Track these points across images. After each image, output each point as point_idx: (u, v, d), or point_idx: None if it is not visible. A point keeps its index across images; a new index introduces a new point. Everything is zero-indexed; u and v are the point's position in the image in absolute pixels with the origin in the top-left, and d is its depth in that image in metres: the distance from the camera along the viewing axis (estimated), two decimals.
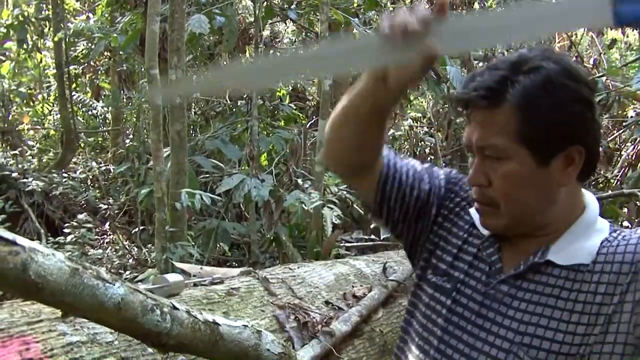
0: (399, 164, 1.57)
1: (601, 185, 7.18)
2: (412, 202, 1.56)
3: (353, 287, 3.10)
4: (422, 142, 8.93)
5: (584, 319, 1.30)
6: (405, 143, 10.05)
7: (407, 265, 3.24)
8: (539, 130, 1.31)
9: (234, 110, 7.46)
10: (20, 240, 1.36)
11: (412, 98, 9.26)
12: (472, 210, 1.51)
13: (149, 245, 7.36)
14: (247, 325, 1.86)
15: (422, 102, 10.64)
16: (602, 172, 7.07)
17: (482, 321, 1.41)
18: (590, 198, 1.44)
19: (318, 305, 2.72)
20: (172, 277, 2.35)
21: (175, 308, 1.64)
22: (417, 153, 8.56)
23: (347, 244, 5.26)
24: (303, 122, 7.45)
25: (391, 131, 9.86)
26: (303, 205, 4.40)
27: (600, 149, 1.46)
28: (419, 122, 9.42)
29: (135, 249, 7.66)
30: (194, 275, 2.77)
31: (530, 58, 1.33)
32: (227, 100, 7.63)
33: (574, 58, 7.40)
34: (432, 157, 8.24)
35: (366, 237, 5.42)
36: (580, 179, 1.39)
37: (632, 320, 1.26)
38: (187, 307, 1.71)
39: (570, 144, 1.33)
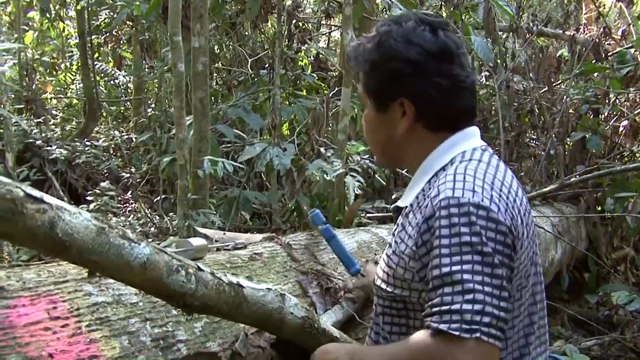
0: None
1: (626, 159, 7.10)
2: None
3: (375, 254, 3.09)
4: None
5: (392, 257, 1.61)
6: None
7: None
8: (372, 83, 1.68)
9: (256, 79, 7.43)
10: (48, 198, 1.36)
11: None
12: None
13: (171, 214, 7.41)
14: (270, 289, 1.86)
15: None
16: (627, 145, 7.00)
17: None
18: (450, 142, 1.64)
19: (340, 271, 2.72)
20: (196, 241, 2.35)
21: (200, 269, 1.64)
22: None
23: (368, 214, 5.24)
24: (325, 91, 7.40)
25: None
26: (325, 175, 4.38)
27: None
28: None
29: (157, 217, 7.71)
30: (217, 241, 2.78)
31: (383, 23, 1.68)
32: (249, 70, 7.59)
33: (602, 29, 7.24)
34: None
35: (388, 206, 5.40)
36: (431, 128, 1.64)
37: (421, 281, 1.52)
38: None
39: (397, 96, 1.63)
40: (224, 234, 2.93)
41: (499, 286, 1.37)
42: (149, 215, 7.90)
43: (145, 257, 1.49)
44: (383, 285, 1.63)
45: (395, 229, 1.67)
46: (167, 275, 1.55)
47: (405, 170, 4.47)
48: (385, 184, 5.92)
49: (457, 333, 1.32)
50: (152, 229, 7.52)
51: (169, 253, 1.58)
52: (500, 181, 1.53)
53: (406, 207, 1.64)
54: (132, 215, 8.14)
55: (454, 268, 1.37)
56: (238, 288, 1.74)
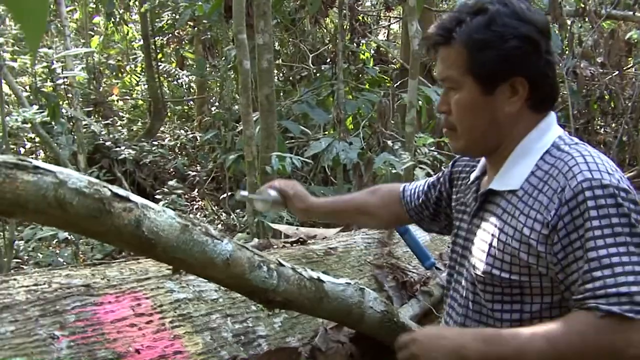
0: (414, 202, 2.00)
1: None
2: (436, 210, 1.95)
3: (448, 247, 3.04)
4: None
5: (511, 243, 1.50)
6: None
7: None
8: (481, 63, 1.51)
9: (318, 74, 7.43)
10: (134, 197, 1.38)
11: None
12: (473, 174, 1.75)
13: (237, 211, 7.49)
14: (350, 283, 1.85)
15: None
16: None
17: (466, 252, 1.68)
18: (546, 123, 1.57)
19: (415, 265, 2.68)
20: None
21: (281, 265, 1.64)
22: None
23: None
24: (388, 84, 7.35)
25: None
26: (392, 168, 4.34)
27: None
28: None
29: (224, 215, 7.81)
30: (290, 236, 2.78)
31: (485, 2, 1.53)
32: (311, 65, 7.60)
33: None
34: None
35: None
36: (534, 108, 1.55)
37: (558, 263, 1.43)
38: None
39: (511, 75, 1.51)
40: (297, 229, 2.93)
41: None
42: (215, 212, 8.01)
43: (228, 254, 1.50)
44: (497, 272, 1.54)
45: (501, 214, 1.57)
46: (250, 271, 1.55)
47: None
48: None
49: (630, 315, 1.30)
50: (219, 225, 7.63)
51: (251, 249, 1.58)
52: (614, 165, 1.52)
53: (514, 190, 1.55)
54: (199, 213, 8.27)
55: (611, 250, 1.35)
56: (319, 283, 1.73)
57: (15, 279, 1.71)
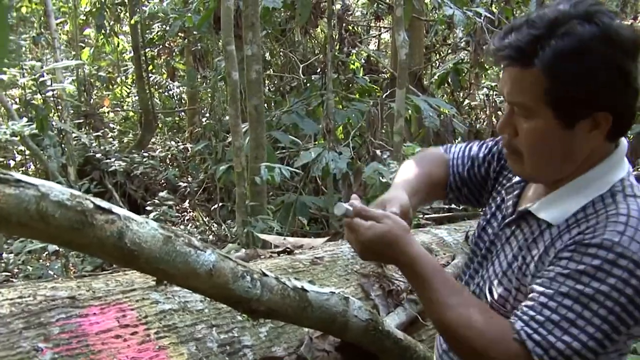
0: (459, 168, 1.80)
1: None
2: (476, 186, 1.78)
3: (436, 255, 3.06)
4: (500, 111, 8.74)
5: (525, 273, 1.44)
6: (481, 113, 9.87)
7: None
8: (565, 96, 1.32)
9: (308, 84, 7.46)
10: (116, 209, 1.39)
11: (487, 67, 9.06)
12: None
13: (228, 221, 7.51)
14: (334, 292, 1.86)
15: (496, 70, 10.41)
16: None
17: (488, 255, 1.61)
18: (616, 157, 1.43)
19: (401, 274, 2.70)
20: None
21: (264, 275, 1.65)
22: (495, 121, 8.38)
23: (426, 215, 5.21)
24: (378, 94, 7.39)
25: (466, 101, 9.70)
26: (381, 177, 4.37)
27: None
28: (495, 91, 9.21)
29: (215, 225, 7.82)
30: (277, 246, 2.79)
31: (569, 18, 1.31)
32: (301, 75, 7.63)
33: None
34: None
35: (446, 206, 5.35)
36: (610, 139, 1.40)
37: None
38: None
39: (597, 110, 1.33)
40: (284, 238, 2.95)
41: (604, 337, 1.29)
42: (206, 223, 8.02)
43: (211, 264, 1.51)
44: (509, 304, 1.48)
45: (528, 238, 1.48)
46: (233, 281, 1.56)
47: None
48: None
49: (531, 347, 1.29)
50: (211, 236, 7.64)
51: (234, 259, 1.59)
52: None
53: (551, 224, 1.44)
54: (190, 224, 8.28)
55: (569, 303, 1.30)
56: (302, 292, 1.74)
57: (0, 292, 1.71)
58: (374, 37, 10.63)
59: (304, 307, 1.75)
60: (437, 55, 9.65)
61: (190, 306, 1.90)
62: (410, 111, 5.96)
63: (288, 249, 2.70)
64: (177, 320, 1.82)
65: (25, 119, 5.58)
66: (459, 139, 6.85)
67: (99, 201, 1.35)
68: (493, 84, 9.52)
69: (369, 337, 1.96)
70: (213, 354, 1.80)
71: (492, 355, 1.33)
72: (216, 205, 8.02)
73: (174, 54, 10.79)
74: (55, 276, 5.42)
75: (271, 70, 8.60)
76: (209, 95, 9.92)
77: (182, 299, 1.90)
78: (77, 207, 1.31)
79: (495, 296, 1.50)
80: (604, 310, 1.27)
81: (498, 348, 1.33)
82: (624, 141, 1.45)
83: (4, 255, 6.64)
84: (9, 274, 6.10)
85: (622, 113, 1.36)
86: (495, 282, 1.52)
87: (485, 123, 8.37)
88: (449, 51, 9.43)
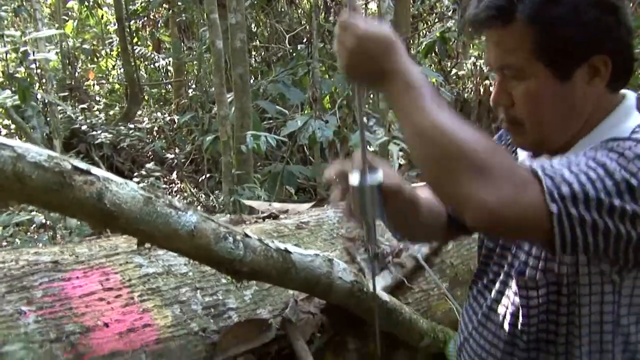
0: None
1: None
2: None
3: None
4: (488, 80, 8.71)
5: None
6: (469, 82, 9.84)
7: None
8: (554, 43, 1.23)
9: (294, 54, 7.42)
10: (95, 170, 1.39)
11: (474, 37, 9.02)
12: (523, 153, 1.46)
13: (216, 192, 7.50)
14: (318, 254, 1.86)
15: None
16: None
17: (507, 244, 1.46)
18: (626, 107, 1.32)
19: (387, 237, 2.71)
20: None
21: (247, 236, 1.65)
22: (482, 91, 8.36)
23: (413, 183, 5.21)
24: None
25: (454, 71, 9.67)
26: (368, 144, 4.36)
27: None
28: (482, 59, 9.18)
29: (203, 196, 7.81)
30: (263, 212, 2.79)
31: None
32: (287, 45, 7.58)
33: None
34: None
35: None
36: (613, 87, 1.29)
37: None
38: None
39: (592, 53, 1.23)
40: (270, 204, 2.95)
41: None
42: (195, 194, 8.01)
43: (192, 225, 1.51)
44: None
45: None
46: (215, 242, 1.56)
47: None
48: None
49: (542, 177, 1.08)
50: (199, 207, 7.63)
51: (216, 221, 1.59)
52: None
53: None
54: (178, 195, 8.27)
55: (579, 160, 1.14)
56: (286, 254, 1.75)
57: None
58: (360, 5, 10.54)
59: (288, 269, 1.75)
60: (425, 24, 9.60)
61: (174, 269, 1.90)
62: None
63: (273, 214, 2.70)
64: (161, 284, 1.82)
65: (7, 92, 5.52)
66: None
67: (77, 162, 1.34)
68: (481, 53, 9.50)
69: (354, 299, 1.97)
70: (197, 316, 1.80)
71: (497, 173, 1.07)
72: (204, 177, 8.00)
73: (158, 25, 10.69)
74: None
75: (257, 41, 8.54)
76: (195, 66, 9.85)
77: (165, 263, 1.90)
78: (55, 168, 1.30)
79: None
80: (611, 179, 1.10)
81: (504, 166, 1.09)
82: (632, 95, 1.34)
83: None
84: (9, 249, 6.08)
85: (620, 55, 1.26)
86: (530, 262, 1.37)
87: (472, 92, 8.33)
88: (436, 20, 9.38)
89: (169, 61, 11.09)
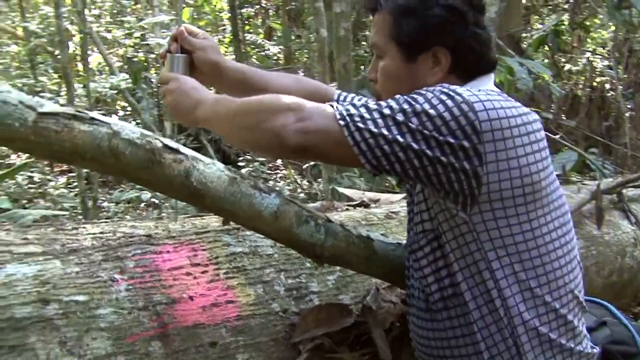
0: None
1: None
2: None
3: None
4: (601, 75, 8.37)
5: None
6: (582, 77, 9.49)
7: None
8: (404, 31, 1.52)
9: None
10: (184, 149, 1.46)
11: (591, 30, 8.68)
12: None
13: (319, 180, 7.59)
14: (401, 243, 1.87)
15: (603, 34, 9.96)
16: None
17: None
18: (471, 85, 1.52)
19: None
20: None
21: (329, 221, 1.68)
22: (594, 88, 8.03)
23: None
24: None
25: (567, 66, 9.33)
26: None
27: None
28: (597, 54, 8.82)
29: (306, 183, 7.92)
30: (355, 200, 2.82)
31: None
32: None
33: None
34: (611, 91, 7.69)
35: None
36: (462, 78, 1.54)
37: None
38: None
39: (433, 44, 1.52)
40: (363, 193, 2.97)
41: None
42: (298, 181, 8.14)
43: (275, 207, 1.55)
44: None
45: None
46: (297, 225, 1.60)
47: None
48: None
49: (336, 114, 1.39)
50: (302, 194, 7.75)
51: (299, 204, 1.63)
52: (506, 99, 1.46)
53: None
54: (282, 181, 8.43)
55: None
56: (368, 241, 1.77)
57: (84, 227, 1.83)
58: None
59: (369, 256, 1.77)
60: (538, 16, 9.32)
61: (261, 250, 1.96)
62: (503, 74, 5.80)
63: (364, 203, 2.72)
64: (246, 263, 1.88)
65: (124, 75, 5.81)
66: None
67: (167, 141, 1.42)
68: (596, 48, 9.13)
69: None
70: (280, 297, 1.85)
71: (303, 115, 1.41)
72: (307, 164, 8.11)
73: (269, 13, 10.89)
74: None
75: (367, 30, 8.55)
76: (306, 54, 9.99)
77: (253, 243, 1.97)
78: (147, 145, 1.38)
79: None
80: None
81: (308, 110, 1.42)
82: (485, 77, 1.56)
83: (105, 204, 7.00)
84: (109, 222, 6.41)
85: (461, 52, 1.52)
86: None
87: (583, 88, 8.03)
88: (551, 12, 9.08)
89: (280, 49, 11.29)
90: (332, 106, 1.42)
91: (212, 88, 1.85)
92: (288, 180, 8.40)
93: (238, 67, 1.86)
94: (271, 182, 7.79)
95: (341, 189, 3.51)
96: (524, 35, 8.36)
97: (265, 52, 11.93)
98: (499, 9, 4.19)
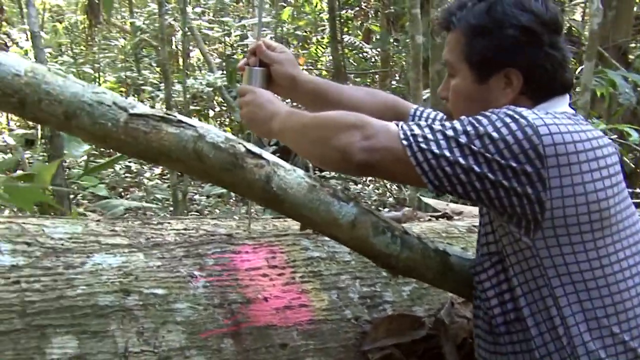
0: None
1: None
2: None
3: None
4: None
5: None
6: None
7: None
8: (477, 51, 1.52)
9: None
10: (266, 155, 1.50)
11: None
12: None
13: (408, 186, 7.56)
14: None
15: None
16: None
17: None
18: (544, 107, 1.51)
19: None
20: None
21: (406, 233, 1.68)
22: None
23: None
24: (574, 67, 7.01)
25: None
26: None
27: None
28: None
29: (396, 188, 7.91)
30: (439, 211, 2.80)
31: None
32: None
33: None
34: None
35: None
36: (533, 99, 1.52)
37: None
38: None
39: (505, 65, 1.50)
40: (447, 204, 2.94)
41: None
42: (387, 185, 8.13)
43: (353, 216, 1.57)
44: None
45: None
46: (374, 235, 1.61)
47: None
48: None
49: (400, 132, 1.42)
50: (390, 199, 7.74)
51: (376, 214, 1.64)
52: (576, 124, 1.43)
53: None
54: (371, 185, 8.44)
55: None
56: (444, 255, 1.75)
57: (169, 223, 1.90)
58: (577, 4, 10.04)
59: (444, 271, 1.76)
60: None
61: (338, 257, 1.98)
62: (605, 88, 5.61)
63: (447, 215, 2.70)
64: (322, 268, 1.91)
65: (220, 72, 5.96)
66: None
67: (250, 146, 1.46)
68: None
69: None
70: (353, 304, 1.87)
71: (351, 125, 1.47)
72: None
73: (369, 16, 10.91)
74: None
75: None
76: (404, 59, 9.95)
77: (330, 249, 1.99)
78: (230, 149, 1.42)
79: None
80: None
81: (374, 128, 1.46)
82: (560, 98, 1.53)
83: (196, 197, 7.21)
84: (199, 214, 6.61)
85: (533, 72, 1.49)
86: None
87: None
88: None
89: (377, 52, 11.30)
90: (397, 125, 1.44)
91: (288, 101, 1.90)
92: (377, 184, 8.40)
93: (314, 81, 1.92)
94: (359, 186, 7.80)
95: (426, 199, 3.49)
96: (632, 46, 8.05)
97: (363, 54, 11.97)
98: (602, 20, 4.05)
